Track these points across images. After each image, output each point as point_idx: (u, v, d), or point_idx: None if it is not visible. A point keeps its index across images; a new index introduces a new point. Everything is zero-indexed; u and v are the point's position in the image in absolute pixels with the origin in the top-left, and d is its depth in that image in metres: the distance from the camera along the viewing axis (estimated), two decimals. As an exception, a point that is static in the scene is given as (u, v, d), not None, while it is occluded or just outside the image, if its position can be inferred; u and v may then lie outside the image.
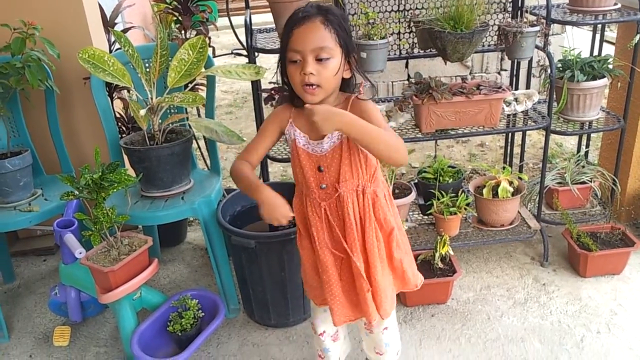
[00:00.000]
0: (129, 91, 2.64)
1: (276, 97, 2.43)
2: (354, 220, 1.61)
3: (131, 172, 2.24)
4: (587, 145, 3.04)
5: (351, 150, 1.57)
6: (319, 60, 1.48)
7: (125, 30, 2.84)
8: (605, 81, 2.52)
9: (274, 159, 2.45)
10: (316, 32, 1.47)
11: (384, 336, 1.79)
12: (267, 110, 2.52)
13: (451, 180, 2.67)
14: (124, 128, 2.72)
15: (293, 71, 1.51)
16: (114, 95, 2.69)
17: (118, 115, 2.70)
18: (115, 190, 1.95)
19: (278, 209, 1.54)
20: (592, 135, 3.23)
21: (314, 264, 1.72)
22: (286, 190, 2.47)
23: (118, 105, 2.81)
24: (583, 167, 2.85)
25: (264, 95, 2.48)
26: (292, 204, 1.68)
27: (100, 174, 1.90)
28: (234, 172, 1.64)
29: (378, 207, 1.64)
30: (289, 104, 1.64)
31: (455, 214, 2.46)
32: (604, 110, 2.71)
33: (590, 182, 2.78)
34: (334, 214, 1.63)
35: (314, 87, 1.50)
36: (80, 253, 2.00)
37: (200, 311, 2.13)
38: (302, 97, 1.54)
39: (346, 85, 1.60)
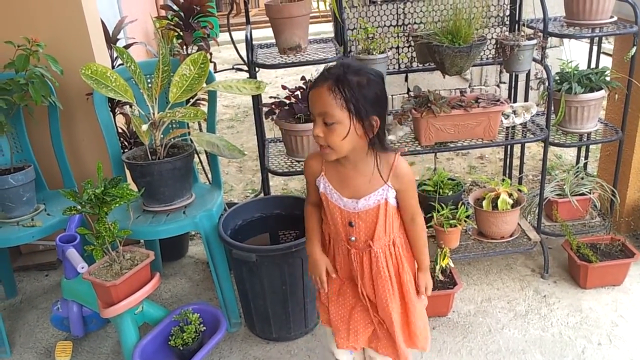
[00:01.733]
0: (131, 106, 2.67)
1: (276, 111, 2.45)
2: (388, 272, 1.69)
3: (133, 186, 2.25)
4: (586, 157, 3.05)
5: (387, 213, 1.63)
6: (326, 124, 1.51)
7: (127, 46, 2.87)
8: (602, 93, 2.55)
9: (275, 173, 2.46)
10: (320, 97, 1.50)
11: None
12: (267, 124, 2.55)
13: (451, 192, 2.68)
14: (126, 143, 2.74)
15: (313, 129, 1.57)
16: (116, 110, 2.72)
17: (120, 131, 2.73)
18: (117, 205, 1.96)
19: (317, 269, 1.76)
20: (591, 146, 3.24)
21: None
22: (288, 204, 2.51)
23: (120, 120, 2.84)
24: (582, 178, 2.86)
25: (265, 109, 2.51)
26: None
27: (102, 188, 1.92)
28: (305, 216, 1.80)
29: (407, 250, 1.74)
30: (319, 153, 1.66)
31: (455, 226, 2.47)
32: (602, 122, 2.73)
33: (590, 193, 2.79)
34: (360, 264, 1.70)
35: (324, 147, 1.55)
36: (83, 267, 2.02)
37: (201, 325, 2.14)
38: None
39: (377, 142, 1.58)
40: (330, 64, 1.59)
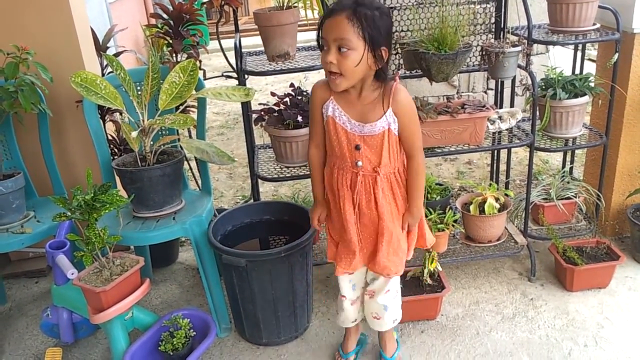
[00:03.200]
0: (121, 114, 2.68)
1: (266, 118, 2.48)
2: (392, 196, 1.84)
3: (123, 193, 2.26)
4: (572, 162, 3.10)
5: (390, 141, 1.75)
6: (340, 51, 1.60)
7: (117, 54, 2.89)
8: (586, 99, 2.59)
9: (265, 179, 2.48)
10: (339, 24, 1.58)
11: (384, 299, 2.00)
12: (257, 131, 2.57)
13: (439, 197, 2.71)
14: (115, 150, 2.75)
15: (322, 57, 1.65)
16: (106, 117, 2.73)
17: (110, 138, 2.74)
18: (107, 211, 1.97)
19: (314, 213, 1.99)
20: (577, 151, 3.29)
21: (340, 221, 1.91)
22: (277, 210, 2.53)
23: (110, 127, 2.85)
24: (568, 182, 2.90)
25: (254, 116, 2.53)
26: (324, 172, 1.93)
27: (92, 195, 1.93)
28: (309, 161, 1.94)
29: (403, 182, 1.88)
30: (327, 82, 1.75)
31: (443, 230, 2.50)
32: (586, 127, 2.77)
33: (575, 197, 2.84)
34: (363, 188, 1.82)
35: (335, 75, 1.63)
36: (73, 274, 2.02)
37: (191, 330, 2.14)
38: (329, 82, 1.70)
39: (381, 74, 1.71)
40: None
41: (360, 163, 1.77)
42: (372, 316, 2.07)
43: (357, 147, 1.76)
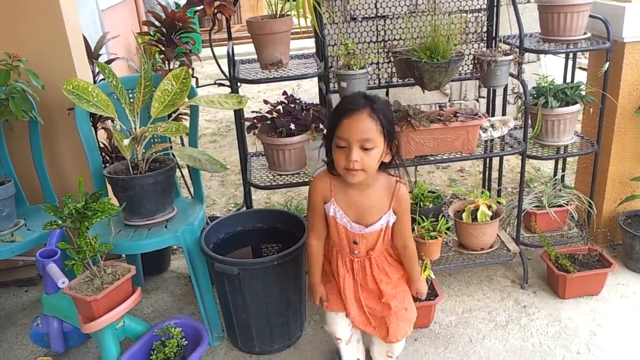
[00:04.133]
0: (112, 121, 2.66)
1: (259, 125, 2.48)
2: (385, 270, 1.92)
3: (114, 201, 2.25)
4: (564, 169, 3.11)
5: (386, 232, 1.85)
6: (364, 149, 1.66)
7: (109, 62, 2.88)
8: (578, 107, 2.61)
9: (257, 187, 2.47)
10: (363, 123, 1.64)
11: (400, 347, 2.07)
12: (249, 138, 2.57)
13: (431, 205, 2.71)
14: (107, 158, 2.73)
15: (339, 155, 1.70)
16: (97, 125, 2.72)
17: (102, 145, 2.72)
18: (98, 219, 1.96)
19: (315, 296, 2.00)
20: (568, 159, 3.30)
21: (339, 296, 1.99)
22: (270, 218, 2.52)
23: (102, 135, 2.83)
24: (560, 190, 2.91)
25: (247, 124, 2.53)
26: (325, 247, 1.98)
27: (83, 203, 1.92)
28: (309, 251, 1.95)
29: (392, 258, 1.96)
30: (327, 175, 1.84)
31: (436, 238, 2.50)
32: (578, 135, 2.79)
33: (567, 205, 2.85)
34: (360, 270, 1.92)
35: (357, 171, 1.68)
36: (63, 283, 2.00)
37: (183, 339, 2.13)
38: (344, 176, 1.73)
39: (386, 166, 1.79)
40: (352, 96, 1.75)
41: (356, 252, 1.88)
42: (387, 355, 2.10)
43: (355, 242, 1.86)
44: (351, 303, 1.95)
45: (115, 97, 2.27)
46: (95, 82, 2.86)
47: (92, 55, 2.86)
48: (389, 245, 1.92)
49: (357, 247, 1.87)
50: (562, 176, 3.09)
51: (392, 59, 2.59)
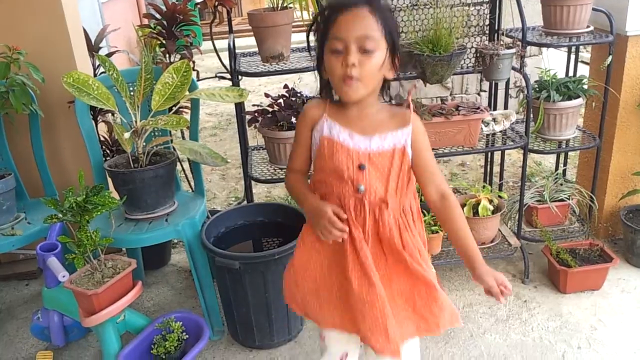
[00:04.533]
0: (113, 114, 2.66)
1: (259, 119, 2.47)
2: (400, 240, 1.45)
3: (115, 194, 2.25)
4: (565, 164, 3.10)
5: (402, 166, 1.42)
6: (363, 51, 1.34)
7: (109, 54, 2.86)
8: (580, 101, 2.60)
9: (258, 180, 2.47)
10: (363, 19, 1.34)
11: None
12: (250, 132, 2.56)
13: (433, 199, 2.70)
14: (108, 151, 2.73)
15: (334, 62, 1.36)
16: (98, 118, 2.71)
17: (102, 139, 2.72)
18: (99, 213, 1.95)
19: (324, 214, 1.40)
20: (570, 153, 3.29)
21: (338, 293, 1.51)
22: (271, 212, 2.52)
23: (102, 128, 2.82)
24: (561, 184, 2.91)
25: (248, 117, 2.52)
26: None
27: (84, 196, 1.91)
28: (287, 186, 1.58)
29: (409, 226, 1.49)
30: (321, 100, 1.49)
31: (437, 232, 2.50)
32: (580, 129, 2.78)
33: (569, 199, 2.84)
34: (372, 219, 1.44)
35: (353, 79, 1.35)
36: (64, 276, 2.00)
37: (184, 333, 2.13)
38: (339, 91, 1.40)
39: (385, 89, 1.47)
40: None
41: (362, 187, 1.41)
42: None
43: (360, 167, 1.41)
44: (369, 283, 1.41)
45: (116, 90, 2.26)
46: (95, 75, 2.84)
47: (93, 48, 2.84)
48: (404, 204, 1.46)
49: (363, 177, 1.40)
50: (564, 170, 3.08)
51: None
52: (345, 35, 1.34)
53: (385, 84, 1.45)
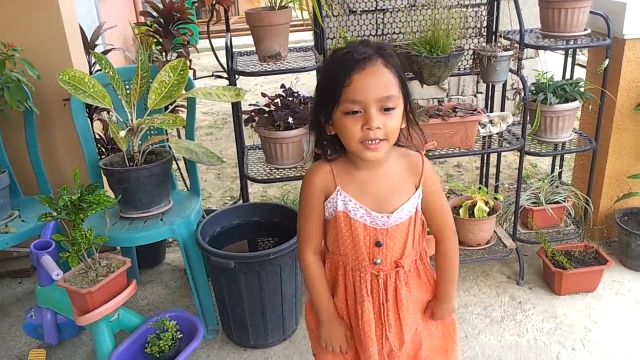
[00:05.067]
0: (108, 112, 2.65)
1: (256, 118, 2.46)
2: (418, 292, 1.48)
3: (110, 193, 2.23)
4: (561, 166, 3.11)
5: (416, 223, 1.40)
6: (384, 110, 1.25)
7: (105, 52, 2.85)
8: (577, 104, 2.60)
9: (254, 180, 2.46)
10: (380, 77, 1.24)
11: None
12: (247, 131, 2.55)
13: (429, 200, 2.70)
14: (103, 149, 2.71)
15: (350, 125, 1.26)
16: (93, 116, 2.70)
17: (97, 137, 2.70)
18: (93, 211, 1.94)
19: (338, 336, 1.45)
20: (566, 156, 3.30)
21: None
22: (266, 211, 2.51)
23: (98, 126, 2.81)
24: (557, 187, 2.91)
25: (244, 116, 2.51)
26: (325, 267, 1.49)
27: (78, 195, 1.90)
28: (308, 273, 1.46)
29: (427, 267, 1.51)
30: (324, 163, 1.39)
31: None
32: (576, 132, 2.78)
33: (564, 201, 2.84)
34: (385, 291, 1.43)
35: (377, 141, 1.26)
36: (58, 275, 1.99)
37: (178, 332, 2.12)
38: (359, 154, 1.29)
39: (399, 138, 1.36)
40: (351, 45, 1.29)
41: (379, 261, 1.39)
42: None
43: (377, 244, 1.37)
44: (371, 343, 1.42)
45: (112, 88, 2.25)
46: (91, 72, 2.83)
47: (89, 46, 2.83)
48: (421, 250, 1.47)
49: (380, 252, 1.38)
50: (560, 173, 3.08)
51: (391, 53, 2.58)
52: (364, 97, 1.23)
53: (406, 129, 1.37)
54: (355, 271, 1.42)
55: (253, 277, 2.16)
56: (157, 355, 2.04)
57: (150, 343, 2.07)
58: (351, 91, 1.24)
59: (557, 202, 2.84)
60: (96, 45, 2.90)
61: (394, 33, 2.64)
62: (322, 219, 1.41)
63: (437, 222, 1.44)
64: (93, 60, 2.78)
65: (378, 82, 1.23)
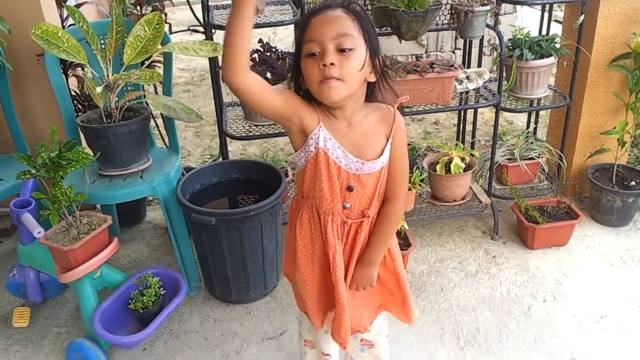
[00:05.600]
0: (83, 68, 2.60)
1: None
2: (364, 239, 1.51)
3: (88, 150, 2.22)
4: (536, 122, 3.16)
5: (384, 175, 1.45)
6: (341, 51, 1.28)
7: (78, 6, 2.77)
8: (552, 59, 2.62)
9: (233, 137, 2.46)
10: (338, 19, 1.29)
11: (384, 347, 1.71)
12: (225, 88, 2.52)
13: (406, 157, 2.74)
14: (80, 106, 2.67)
15: (310, 66, 1.30)
16: (68, 72, 2.64)
17: (74, 93, 2.66)
18: (73, 168, 1.93)
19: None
20: (542, 112, 3.35)
21: (319, 282, 1.55)
22: (246, 169, 2.52)
23: (73, 83, 2.76)
24: (532, 143, 2.96)
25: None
26: (297, 217, 1.52)
27: (57, 152, 1.89)
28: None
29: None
30: (309, 104, 1.39)
31: (410, 189, 2.53)
32: (551, 88, 2.82)
33: (538, 157, 2.90)
34: (345, 235, 1.49)
35: (334, 79, 1.28)
36: (39, 232, 1.99)
37: (161, 289, 2.15)
38: (320, 96, 1.32)
39: (372, 94, 1.41)
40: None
41: (348, 205, 1.44)
42: None
43: (349, 189, 1.42)
44: (341, 286, 1.48)
45: (86, 42, 2.20)
46: (64, 27, 2.76)
47: (60, -1, 2.75)
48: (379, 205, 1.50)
49: (350, 197, 1.43)
50: (535, 129, 3.13)
51: (369, 8, 2.56)
52: (320, 35, 1.28)
53: (370, 88, 1.40)
54: (328, 214, 1.45)
55: (234, 233, 2.18)
56: (141, 311, 2.07)
57: (134, 299, 2.10)
58: (309, 31, 1.30)
59: (532, 159, 2.90)
60: (68, -1, 2.82)
61: (372, -12, 2.62)
62: (284, 106, 1.34)
63: (394, 178, 1.46)
64: (65, 14, 2.71)
65: (334, 22, 1.29)
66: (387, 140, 1.41)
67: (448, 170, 2.62)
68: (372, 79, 1.37)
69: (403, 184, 1.48)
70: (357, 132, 1.40)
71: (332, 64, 1.27)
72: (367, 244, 1.50)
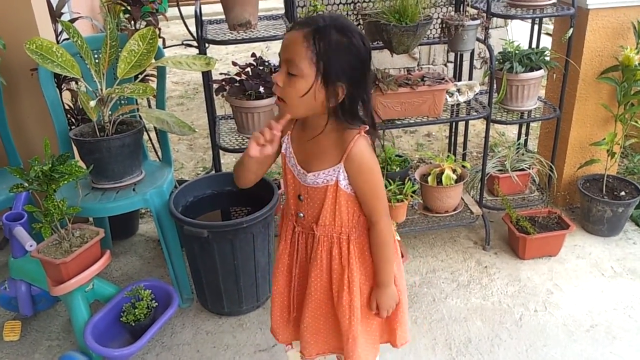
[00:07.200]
0: (77, 83, 2.61)
1: (227, 88, 2.46)
2: (326, 266, 1.54)
3: (81, 164, 2.23)
4: (527, 134, 3.19)
5: (337, 199, 1.46)
6: (289, 74, 1.32)
7: (72, 21, 2.80)
8: (542, 72, 2.66)
9: (226, 150, 2.47)
10: (292, 42, 1.32)
11: None
12: (218, 101, 2.55)
13: (398, 168, 2.76)
14: (73, 120, 2.69)
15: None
16: (62, 86, 2.66)
17: (67, 107, 2.67)
18: (65, 182, 1.94)
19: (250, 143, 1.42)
20: (532, 124, 3.38)
21: (281, 292, 1.65)
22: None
23: (67, 96, 2.78)
24: (522, 154, 2.99)
25: (215, 86, 2.51)
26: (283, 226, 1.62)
27: (50, 165, 1.90)
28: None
29: (367, 257, 1.56)
30: None
31: (402, 201, 2.55)
32: (541, 100, 2.85)
33: (529, 169, 2.93)
34: (303, 247, 1.56)
35: (279, 99, 1.36)
36: (31, 246, 1.99)
37: (153, 301, 2.15)
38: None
39: (339, 115, 1.39)
40: (318, 14, 1.42)
41: (301, 214, 1.52)
42: None
43: (299, 197, 1.50)
44: (284, 286, 1.60)
45: (80, 57, 2.22)
46: (58, 42, 2.78)
47: (55, 14, 2.77)
48: (351, 230, 1.51)
49: (302, 206, 1.50)
50: (525, 141, 3.16)
51: (361, 22, 2.59)
52: (281, 53, 1.36)
53: (336, 109, 1.38)
54: (289, 220, 1.57)
55: (226, 245, 2.19)
56: (133, 324, 2.08)
57: (126, 312, 2.10)
58: (281, 45, 1.37)
59: (523, 170, 2.93)
60: (62, 14, 2.85)
61: (363, 1, 2.65)
62: (274, 157, 1.52)
63: (366, 206, 1.48)
64: (60, 29, 2.73)
65: (288, 45, 1.34)
66: (337, 165, 1.42)
67: (440, 182, 2.64)
68: (331, 103, 1.36)
69: (375, 208, 1.48)
70: (312, 145, 1.44)
71: (277, 84, 1.34)
72: (374, 268, 1.55)
